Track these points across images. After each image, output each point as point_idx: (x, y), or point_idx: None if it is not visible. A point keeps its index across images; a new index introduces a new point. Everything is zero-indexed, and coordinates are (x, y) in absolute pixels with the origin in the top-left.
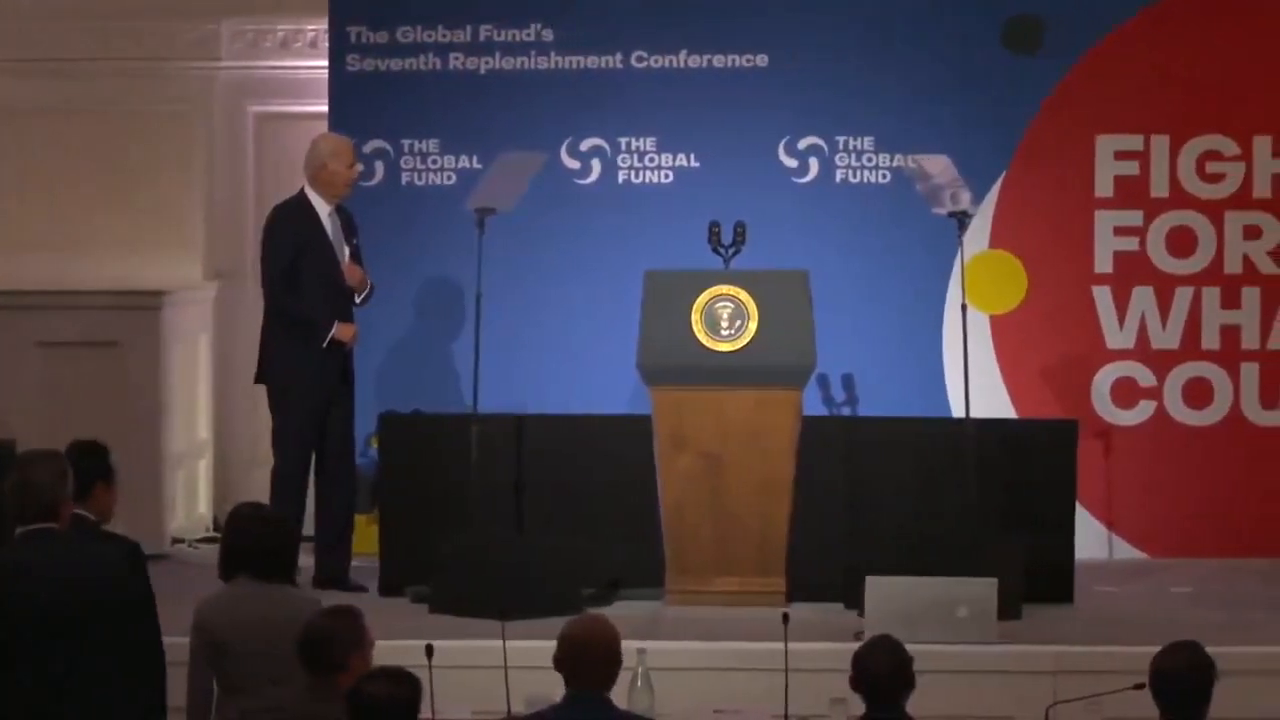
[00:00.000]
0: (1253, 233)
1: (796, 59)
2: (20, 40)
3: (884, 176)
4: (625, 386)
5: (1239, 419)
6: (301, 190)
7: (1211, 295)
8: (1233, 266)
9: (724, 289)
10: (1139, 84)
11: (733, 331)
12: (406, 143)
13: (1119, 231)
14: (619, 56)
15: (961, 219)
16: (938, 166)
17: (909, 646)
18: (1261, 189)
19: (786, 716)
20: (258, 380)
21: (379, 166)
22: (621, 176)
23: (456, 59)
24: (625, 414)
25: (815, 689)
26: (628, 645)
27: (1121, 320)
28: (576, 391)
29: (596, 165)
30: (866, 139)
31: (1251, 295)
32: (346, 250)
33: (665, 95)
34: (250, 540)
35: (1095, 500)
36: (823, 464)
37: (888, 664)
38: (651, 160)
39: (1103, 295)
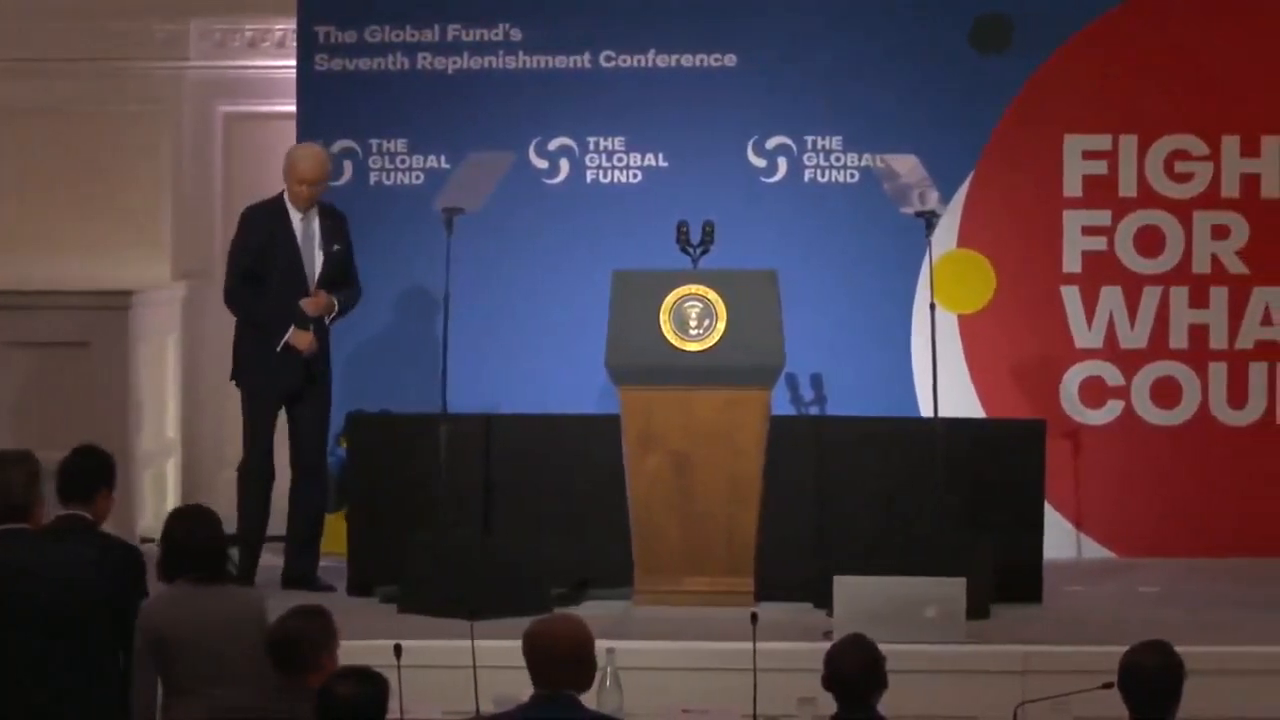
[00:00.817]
0: (1221, 232)
1: (765, 59)
2: None
3: (852, 176)
4: (594, 386)
5: (1207, 418)
6: (281, 191)
7: (1180, 295)
8: (1201, 266)
9: (692, 288)
10: (1107, 83)
11: (701, 331)
12: (375, 142)
13: (1087, 231)
14: (587, 56)
15: (929, 218)
16: (906, 166)
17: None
18: (1230, 189)
19: (755, 716)
20: (231, 377)
21: (347, 166)
22: (590, 176)
23: (425, 59)
24: (594, 414)
25: (784, 688)
26: (597, 645)
27: (1090, 320)
28: (545, 391)
29: (565, 165)
30: (835, 138)
31: (1219, 295)
32: (319, 256)
33: (634, 95)
34: (183, 541)
35: (1064, 500)
36: (792, 464)
37: (860, 663)
38: (620, 160)
39: (1071, 295)
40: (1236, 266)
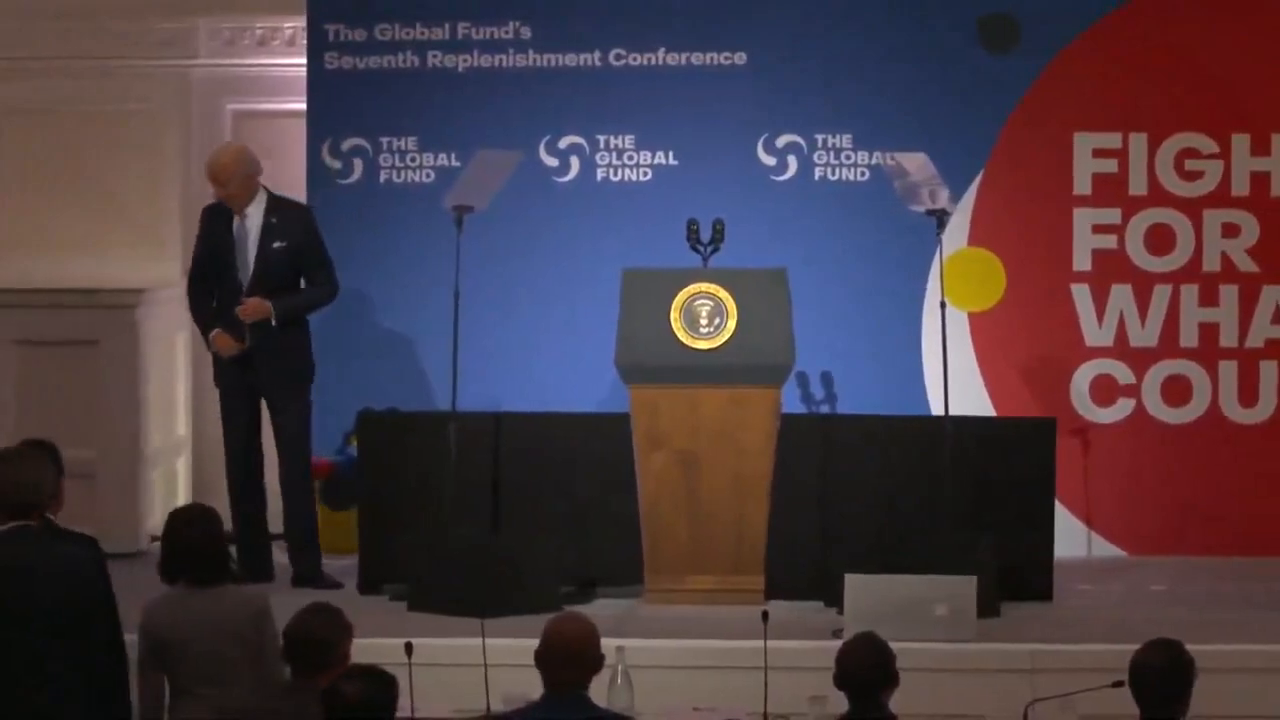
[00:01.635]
0: (1231, 230)
1: (775, 57)
2: None
3: (862, 174)
4: (603, 384)
5: (1218, 417)
6: None
7: (1190, 293)
8: (1211, 264)
9: (702, 287)
10: (1116, 82)
11: (711, 329)
12: (385, 140)
13: (1097, 229)
14: (597, 54)
15: (940, 217)
16: (916, 164)
17: None
18: (1240, 187)
19: (766, 714)
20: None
21: (357, 164)
22: (600, 174)
23: (435, 57)
24: (603, 412)
25: (794, 687)
26: (606, 643)
27: (1100, 318)
28: (555, 389)
29: (575, 163)
30: (845, 137)
31: (1230, 293)
32: (252, 257)
33: (644, 93)
34: (181, 543)
35: (1074, 498)
36: (801, 462)
37: (871, 661)
38: (630, 158)
39: (1081, 293)
40: (1247, 265)
